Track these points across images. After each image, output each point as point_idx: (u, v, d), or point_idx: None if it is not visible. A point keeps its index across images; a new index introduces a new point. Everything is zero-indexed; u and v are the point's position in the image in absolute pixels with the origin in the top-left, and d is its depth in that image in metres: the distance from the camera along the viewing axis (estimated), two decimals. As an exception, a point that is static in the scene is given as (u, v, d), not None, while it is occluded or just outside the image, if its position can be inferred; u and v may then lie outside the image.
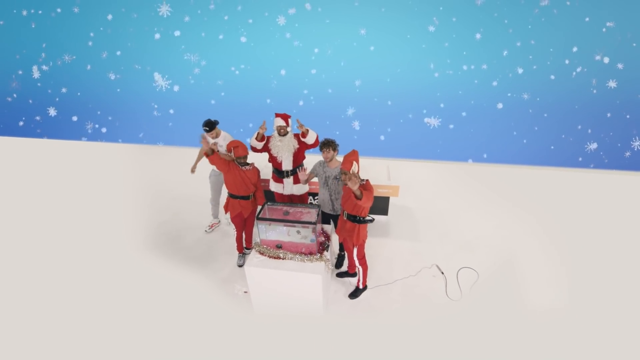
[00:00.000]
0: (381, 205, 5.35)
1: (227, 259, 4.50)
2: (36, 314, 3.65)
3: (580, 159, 7.53)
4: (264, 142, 4.14)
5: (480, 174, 7.23)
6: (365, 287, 3.91)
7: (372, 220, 3.38)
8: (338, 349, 3.21)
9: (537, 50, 7.02)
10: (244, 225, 4.20)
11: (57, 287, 4.02)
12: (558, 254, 4.58)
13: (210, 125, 4.34)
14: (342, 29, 7.42)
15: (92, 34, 8.07)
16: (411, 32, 7.27)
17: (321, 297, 3.39)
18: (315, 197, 5.39)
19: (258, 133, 4.05)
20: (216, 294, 3.92)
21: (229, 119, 8.15)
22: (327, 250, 3.51)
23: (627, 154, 7.35)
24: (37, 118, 8.99)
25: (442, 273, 4.21)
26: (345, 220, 3.43)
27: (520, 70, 7.19)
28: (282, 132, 4.06)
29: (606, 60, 6.85)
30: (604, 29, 6.70)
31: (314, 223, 3.27)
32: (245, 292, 3.88)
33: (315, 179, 4.39)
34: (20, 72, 8.65)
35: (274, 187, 4.55)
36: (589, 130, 7.37)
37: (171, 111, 8.47)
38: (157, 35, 7.88)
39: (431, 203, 5.95)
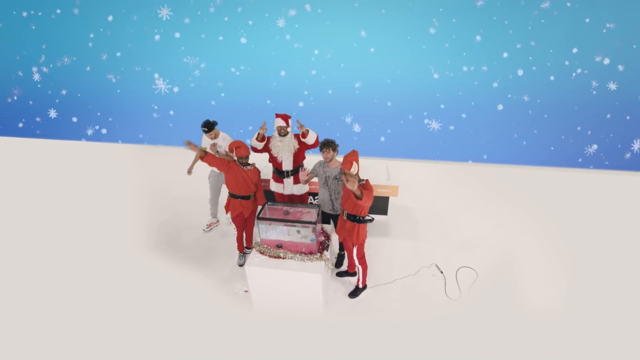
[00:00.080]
0: (381, 205, 5.36)
1: (227, 259, 4.51)
2: (37, 313, 3.65)
3: (580, 160, 7.54)
4: (264, 142, 4.16)
5: (480, 174, 7.24)
6: (365, 287, 3.91)
7: (371, 220, 3.40)
8: (338, 348, 3.21)
9: (537, 51, 7.04)
10: (244, 225, 4.21)
11: (58, 287, 4.03)
12: (556, 253, 4.58)
13: (209, 126, 4.36)
14: (342, 30, 7.44)
15: (92, 35, 8.10)
16: (411, 33, 7.29)
17: (321, 296, 3.40)
18: (315, 197, 5.40)
19: (258, 133, 4.06)
20: (217, 293, 3.93)
21: (229, 119, 8.18)
22: (327, 250, 3.52)
23: (627, 155, 7.36)
24: (37, 119, 9.01)
25: (442, 272, 4.22)
26: (345, 219, 3.45)
27: (520, 72, 7.21)
28: (283, 132, 4.07)
29: (606, 61, 6.87)
30: (604, 30, 6.72)
31: (314, 223, 3.28)
32: (246, 291, 3.89)
33: (315, 179, 4.40)
34: (20, 74, 8.68)
35: (274, 187, 4.56)
36: (589, 132, 7.38)
37: (171, 112, 8.49)
38: (157, 37, 7.90)
39: (431, 203, 5.96)
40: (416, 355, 3.15)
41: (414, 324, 3.49)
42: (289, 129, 4.09)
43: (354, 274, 4.09)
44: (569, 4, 6.66)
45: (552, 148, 7.59)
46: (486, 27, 7.06)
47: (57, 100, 8.77)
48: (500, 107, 7.47)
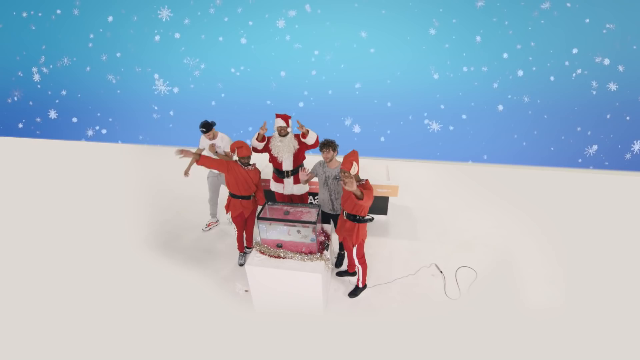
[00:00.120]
0: (380, 205, 5.36)
1: (228, 258, 4.51)
2: (38, 313, 3.65)
3: (580, 160, 7.55)
4: (264, 142, 4.17)
5: (480, 175, 7.24)
6: (364, 286, 3.92)
7: (371, 220, 3.40)
8: (338, 347, 3.22)
9: (537, 52, 7.04)
10: (244, 225, 4.22)
11: (59, 288, 4.03)
12: (556, 254, 4.59)
13: (207, 126, 4.37)
14: (342, 31, 7.45)
15: (92, 36, 8.11)
16: (411, 33, 7.30)
17: (321, 296, 3.40)
18: (315, 197, 5.40)
19: (259, 134, 4.07)
20: (217, 292, 3.93)
21: (229, 120, 8.19)
22: (327, 250, 3.52)
23: (627, 156, 7.36)
24: (38, 120, 9.02)
25: (441, 272, 4.22)
26: (345, 219, 3.45)
27: (520, 72, 7.21)
28: (283, 132, 4.08)
29: (606, 62, 6.87)
30: (604, 31, 6.72)
31: (314, 222, 3.28)
32: (246, 290, 3.89)
33: (315, 179, 4.41)
34: (20, 74, 8.69)
35: (274, 187, 4.57)
36: (589, 132, 7.38)
37: (171, 113, 8.50)
38: (157, 37, 7.91)
39: (430, 203, 5.97)
40: (416, 355, 3.15)
41: (413, 323, 3.49)
42: (289, 129, 4.10)
43: (353, 274, 4.09)
44: (569, 5, 6.67)
45: (552, 148, 7.59)
46: (486, 28, 7.07)
47: (57, 101, 8.78)
48: (500, 107, 7.47)
